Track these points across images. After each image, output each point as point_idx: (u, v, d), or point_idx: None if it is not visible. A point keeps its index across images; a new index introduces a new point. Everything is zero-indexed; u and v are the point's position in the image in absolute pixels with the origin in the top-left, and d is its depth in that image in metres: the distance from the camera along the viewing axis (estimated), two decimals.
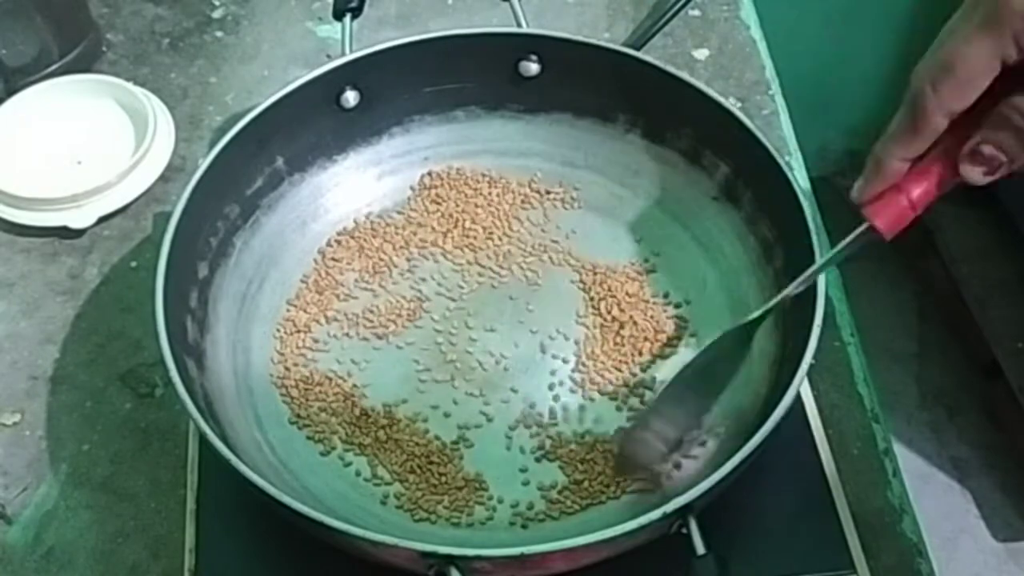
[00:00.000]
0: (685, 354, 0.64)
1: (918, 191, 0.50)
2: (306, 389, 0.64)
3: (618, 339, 0.65)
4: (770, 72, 0.84)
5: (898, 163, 0.50)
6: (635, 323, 0.65)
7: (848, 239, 0.54)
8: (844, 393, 0.67)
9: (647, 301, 0.67)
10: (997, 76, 0.46)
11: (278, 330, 0.66)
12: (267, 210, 0.68)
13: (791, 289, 0.57)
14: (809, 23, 1.36)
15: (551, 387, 0.64)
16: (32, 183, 0.76)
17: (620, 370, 0.64)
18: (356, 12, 0.70)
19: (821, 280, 0.57)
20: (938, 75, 0.46)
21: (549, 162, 0.72)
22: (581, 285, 0.68)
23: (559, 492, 0.59)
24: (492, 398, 0.63)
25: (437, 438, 0.62)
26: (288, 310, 0.67)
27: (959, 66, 0.46)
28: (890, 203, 0.50)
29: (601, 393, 0.63)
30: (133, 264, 0.74)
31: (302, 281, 0.68)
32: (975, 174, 0.48)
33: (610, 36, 0.86)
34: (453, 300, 0.67)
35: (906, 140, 0.49)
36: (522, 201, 0.71)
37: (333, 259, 0.69)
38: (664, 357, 0.65)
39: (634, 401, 0.63)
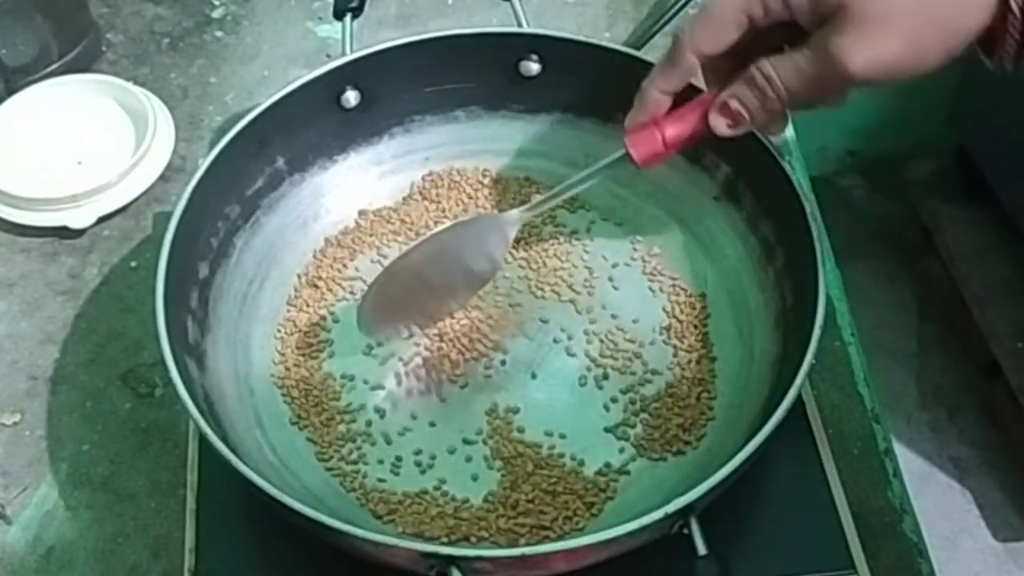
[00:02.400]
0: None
1: (672, 131, 0.56)
2: (307, 389, 0.64)
3: (619, 340, 0.65)
4: None
5: (657, 94, 0.56)
6: (636, 324, 0.65)
7: (605, 161, 0.59)
8: (844, 393, 0.67)
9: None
10: (753, 37, 0.52)
11: (279, 330, 0.66)
12: (268, 210, 0.68)
13: (527, 209, 0.63)
14: None
15: (552, 391, 0.63)
16: (32, 183, 0.76)
17: (623, 372, 0.64)
18: (357, 12, 0.70)
19: (822, 281, 0.57)
20: (695, 18, 0.53)
21: (550, 162, 0.72)
22: (582, 285, 0.68)
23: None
24: (490, 398, 0.63)
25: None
26: (289, 310, 0.67)
27: (712, 10, 0.52)
28: (648, 138, 0.56)
29: (601, 399, 0.63)
30: (133, 264, 0.74)
31: (303, 281, 0.68)
32: (720, 124, 0.54)
33: (610, 36, 0.86)
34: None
35: (664, 72, 0.55)
36: (523, 201, 0.71)
37: (334, 259, 0.69)
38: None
39: (630, 406, 0.63)
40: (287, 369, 0.64)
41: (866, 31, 0.48)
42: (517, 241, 0.70)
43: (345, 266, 0.69)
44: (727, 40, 0.52)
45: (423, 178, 0.72)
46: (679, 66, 0.54)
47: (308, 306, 0.67)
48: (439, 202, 0.71)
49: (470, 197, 0.72)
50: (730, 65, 0.53)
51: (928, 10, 0.49)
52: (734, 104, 0.53)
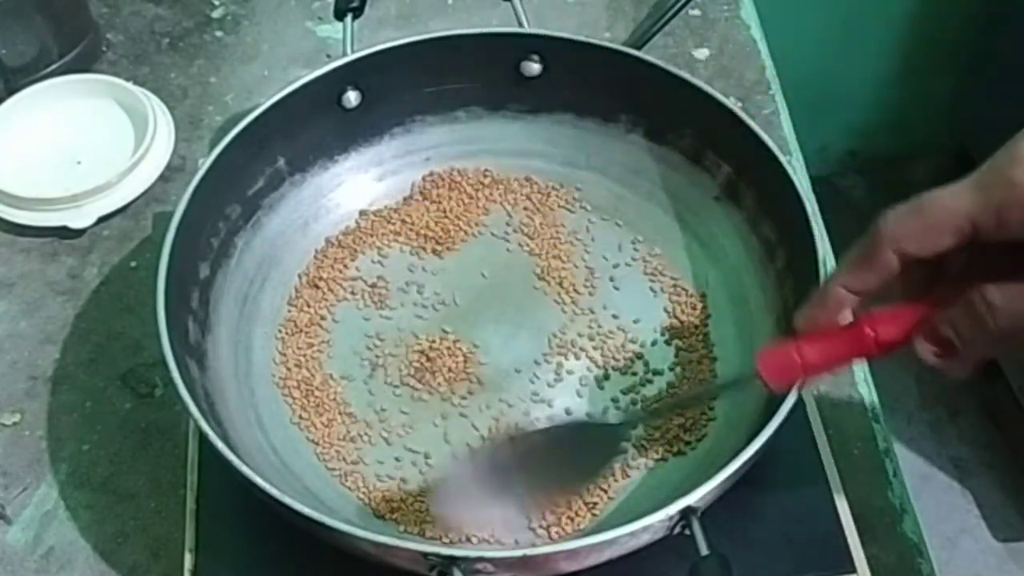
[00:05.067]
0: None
1: (815, 354, 0.47)
2: (307, 390, 0.63)
3: (620, 340, 0.65)
4: (770, 72, 0.84)
5: (842, 292, 0.46)
6: (637, 324, 0.65)
7: (731, 379, 0.56)
8: (844, 393, 0.67)
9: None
10: (970, 250, 0.43)
11: (280, 331, 0.66)
12: (268, 210, 0.68)
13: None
14: (809, 23, 1.36)
15: (552, 392, 0.63)
16: (32, 183, 0.76)
17: (623, 373, 0.64)
18: (357, 12, 0.70)
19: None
20: (905, 212, 0.43)
21: (550, 162, 0.72)
22: (583, 285, 0.68)
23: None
24: (491, 399, 0.63)
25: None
26: (290, 311, 0.67)
27: (927, 209, 0.43)
28: (785, 358, 0.48)
29: (602, 399, 0.63)
30: (133, 264, 0.74)
31: (304, 281, 0.68)
32: (927, 352, 0.45)
33: (610, 36, 0.86)
34: (455, 301, 0.67)
35: (854, 268, 0.46)
36: (523, 202, 0.71)
37: (335, 259, 0.69)
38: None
39: (631, 407, 0.63)
40: (288, 369, 0.64)
41: None
42: (518, 241, 0.70)
43: (346, 266, 0.69)
44: (941, 245, 0.42)
45: (424, 178, 0.72)
46: (874, 263, 0.44)
47: (309, 306, 0.67)
48: (440, 202, 0.71)
49: (471, 197, 0.72)
50: (927, 275, 0.45)
51: None
52: (946, 331, 0.44)
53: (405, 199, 0.72)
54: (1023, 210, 0.40)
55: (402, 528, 0.58)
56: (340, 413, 0.63)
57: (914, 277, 0.45)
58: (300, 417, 0.63)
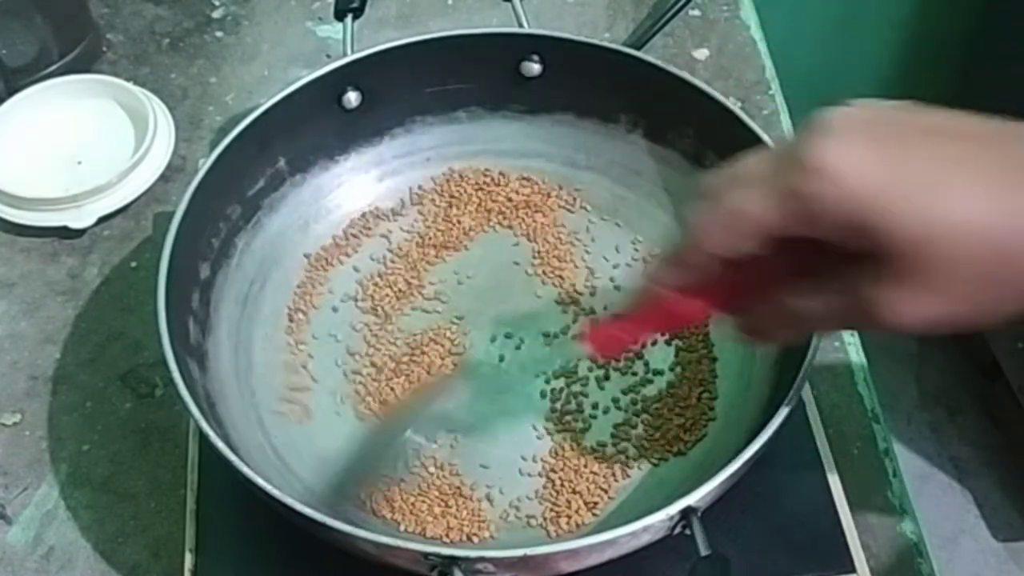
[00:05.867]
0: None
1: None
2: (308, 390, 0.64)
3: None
4: (770, 72, 0.84)
5: (658, 290, 0.47)
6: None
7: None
8: (844, 393, 0.67)
9: None
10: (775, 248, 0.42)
11: (280, 331, 0.66)
12: (269, 211, 0.68)
13: None
14: (809, 23, 1.36)
15: (553, 393, 0.63)
16: (32, 183, 0.76)
17: (624, 373, 0.64)
18: (358, 12, 0.70)
19: None
20: (712, 220, 0.43)
21: (551, 163, 0.72)
22: (584, 286, 0.68)
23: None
24: (492, 400, 0.63)
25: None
26: (290, 311, 0.67)
27: (732, 218, 0.42)
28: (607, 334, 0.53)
29: (603, 399, 0.63)
30: (133, 264, 0.74)
31: (304, 282, 0.68)
32: (739, 334, 0.48)
33: (610, 36, 0.86)
34: (455, 301, 0.67)
35: (672, 268, 0.46)
36: (523, 202, 0.71)
37: (336, 260, 0.69)
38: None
39: (631, 407, 0.63)
40: (289, 370, 0.64)
41: (916, 289, 0.40)
42: (518, 241, 0.70)
43: (346, 267, 0.69)
44: (748, 249, 0.43)
45: (424, 178, 0.72)
46: (687, 263, 0.45)
47: (310, 307, 0.67)
48: (440, 203, 0.71)
49: (471, 197, 0.71)
50: (741, 278, 0.46)
51: (994, 276, 0.39)
52: (756, 327, 0.47)
53: (406, 199, 0.72)
54: (823, 218, 0.40)
55: (402, 528, 0.58)
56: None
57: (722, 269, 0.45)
58: (301, 418, 0.63)
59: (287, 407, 0.63)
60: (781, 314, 0.45)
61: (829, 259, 0.42)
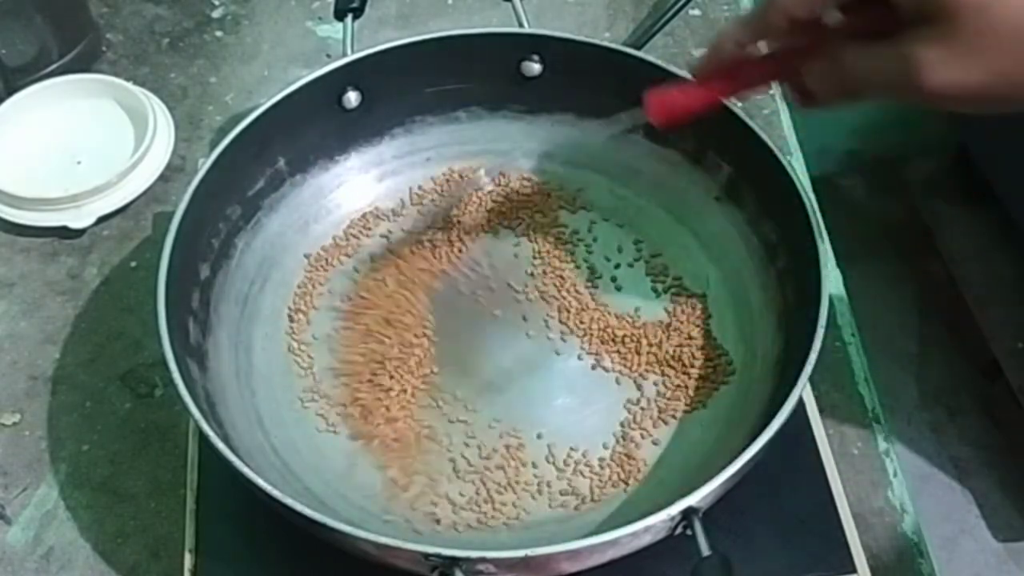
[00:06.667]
0: None
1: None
2: (309, 391, 0.63)
3: (621, 340, 0.65)
4: None
5: (731, 45, 0.51)
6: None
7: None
8: (844, 393, 0.67)
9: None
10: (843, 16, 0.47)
11: (280, 331, 0.66)
12: (269, 211, 0.68)
13: None
14: None
15: (552, 391, 0.63)
16: (32, 183, 0.76)
17: (624, 374, 0.64)
18: (358, 12, 0.70)
19: (825, 281, 0.57)
20: None
21: (551, 163, 0.72)
22: (585, 285, 0.68)
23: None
24: (491, 399, 0.63)
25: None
26: (290, 311, 0.67)
27: None
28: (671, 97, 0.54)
29: (603, 399, 0.63)
30: (133, 264, 0.74)
31: (304, 282, 0.68)
32: (791, 95, 0.50)
33: (610, 36, 0.86)
34: (455, 301, 0.67)
35: (746, 23, 0.50)
36: (524, 202, 0.71)
37: (336, 260, 0.69)
38: None
39: (633, 408, 0.63)
40: (289, 370, 0.64)
41: (962, 53, 0.43)
42: (519, 241, 0.70)
43: (345, 267, 0.69)
44: (820, 6, 0.47)
45: (424, 178, 0.72)
46: (763, 22, 0.49)
47: (310, 307, 0.67)
48: (441, 202, 0.71)
49: (471, 197, 0.71)
50: (806, 42, 0.49)
51: None
52: (809, 83, 0.49)
53: (405, 199, 0.72)
54: None
55: (403, 525, 0.58)
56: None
57: (793, 31, 0.49)
58: (301, 418, 0.63)
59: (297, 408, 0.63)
60: (834, 74, 0.47)
61: (888, 26, 0.45)
